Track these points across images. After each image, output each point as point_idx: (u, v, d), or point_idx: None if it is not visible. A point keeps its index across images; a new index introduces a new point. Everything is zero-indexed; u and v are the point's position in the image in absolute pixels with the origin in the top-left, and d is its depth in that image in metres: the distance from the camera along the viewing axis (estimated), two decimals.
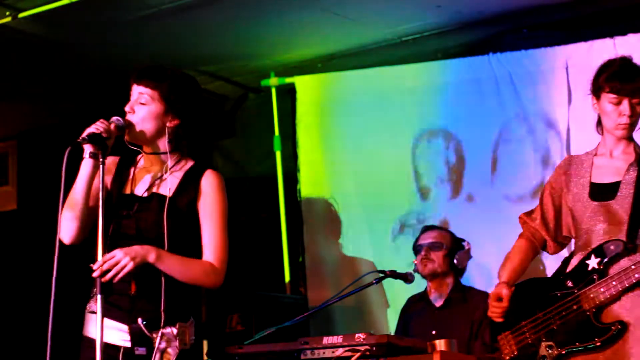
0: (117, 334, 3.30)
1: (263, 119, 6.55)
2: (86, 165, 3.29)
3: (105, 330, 3.21)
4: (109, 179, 3.45)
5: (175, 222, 3.36)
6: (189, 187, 3.41)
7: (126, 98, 3.44)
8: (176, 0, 5.22)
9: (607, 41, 5.33)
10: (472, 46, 5.87)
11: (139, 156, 3.51)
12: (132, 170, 3.48)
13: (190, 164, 3.47)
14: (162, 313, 3.28)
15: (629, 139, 3.67)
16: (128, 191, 3.43)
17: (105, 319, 3.23)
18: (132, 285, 3.29)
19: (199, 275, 3.35)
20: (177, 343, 3.29)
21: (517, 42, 5.72)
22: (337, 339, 3.71)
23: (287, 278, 6.23)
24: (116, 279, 3.19)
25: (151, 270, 3.29)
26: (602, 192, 3.61)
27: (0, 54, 5.84)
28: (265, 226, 6.51)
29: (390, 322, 5.73)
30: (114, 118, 3.34)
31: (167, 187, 3.39)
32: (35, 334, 3.66)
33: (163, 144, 3.42)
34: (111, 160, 3.47)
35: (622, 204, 3.55)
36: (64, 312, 3.38)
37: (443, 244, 4.95)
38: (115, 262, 3.18)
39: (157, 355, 3.26)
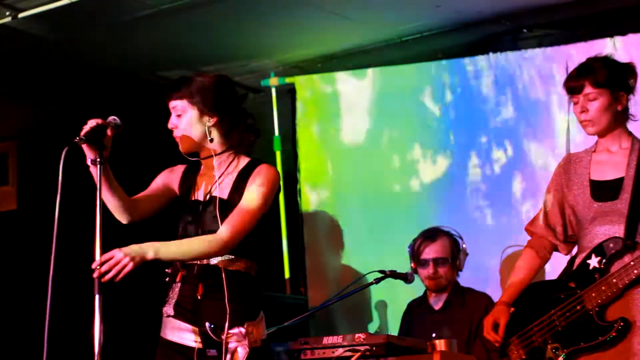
0: (189, 335, 3.38)
1: (263, 119, 6.54)
2: (93, 173, 3.33)
3: (178, 332, 3.40)
4: (176, 186, 3.60)
5: None
6: (242, 185, 3.48)
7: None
8: (176, 0, 5.22)
9: (607, 41, 5.33)
10: (472, 46, 5.86)
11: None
12: (196, 177, 3.59)
13: (245, 161, 3.55)
14: (227, 315, 3.34)
15: (626, 133, 3.67)
16: (193, 197, 3.54)
17: (178, 322, 3.40)
18: (199, 288, 3.38)
19: (202, 248, 3.36)
20: (246, 342, 3.33)
21: (517, 42, 5.72)
22: (337, 339, 3.72)
23: (286, 277, 6.22)
24: (117, 279, 3.19)
25: (215, 273, 3.38)
26: (605, 191, 3.61)
27: (0, 54, 5.83)
28: (265, 225, 6.48)
29: (390, 322, 5.72)
30: (111, 118, 3.38)
31: (223, 189, 3.49)
32: (35, 334, 3.65)
33: (213, 145, 3.51)
34: (178, 168, 3.62)
35: (626, 203, 3.55)
36: (139, 315, 3.45)
37: (448, 258, 4.85)
38: (115, 262, 3.18)
39: (228, 356, 3.32)
